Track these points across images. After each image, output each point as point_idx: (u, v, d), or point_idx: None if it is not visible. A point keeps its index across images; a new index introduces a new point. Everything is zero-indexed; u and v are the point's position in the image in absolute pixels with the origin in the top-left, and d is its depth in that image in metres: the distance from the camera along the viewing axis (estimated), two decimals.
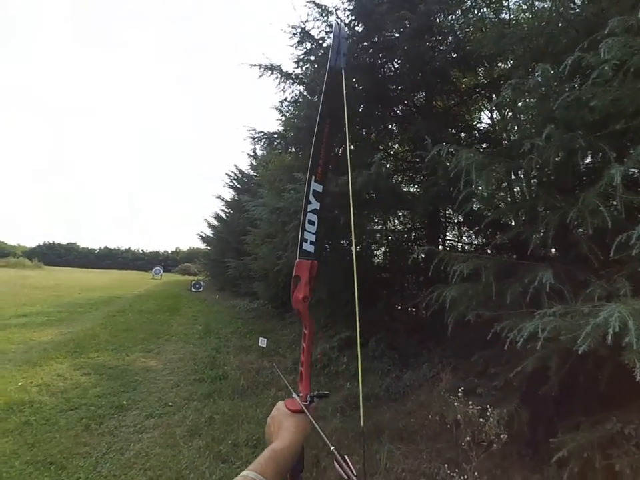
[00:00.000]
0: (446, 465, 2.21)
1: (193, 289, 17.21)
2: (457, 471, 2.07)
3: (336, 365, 4.54)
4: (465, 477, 1.97)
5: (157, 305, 11.77)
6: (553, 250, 2.88)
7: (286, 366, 4.90)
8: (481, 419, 2.00)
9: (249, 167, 15.28)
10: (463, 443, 2.01)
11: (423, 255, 4.93)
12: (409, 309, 5.13)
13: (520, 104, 3.26)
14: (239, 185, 15.50)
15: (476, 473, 1.92)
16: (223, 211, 17.13)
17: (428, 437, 2.83)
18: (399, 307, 5.24)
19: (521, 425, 2.29)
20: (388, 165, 5.32)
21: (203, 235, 19.93)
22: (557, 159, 2.34)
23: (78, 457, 2.86)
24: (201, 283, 18.10)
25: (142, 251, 68.29)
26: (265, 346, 5.39)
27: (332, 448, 0.64)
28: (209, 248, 20.61)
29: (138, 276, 32.72)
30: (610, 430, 1.92)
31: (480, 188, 2.36)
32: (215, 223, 17.91)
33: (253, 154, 14.52)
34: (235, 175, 15.85)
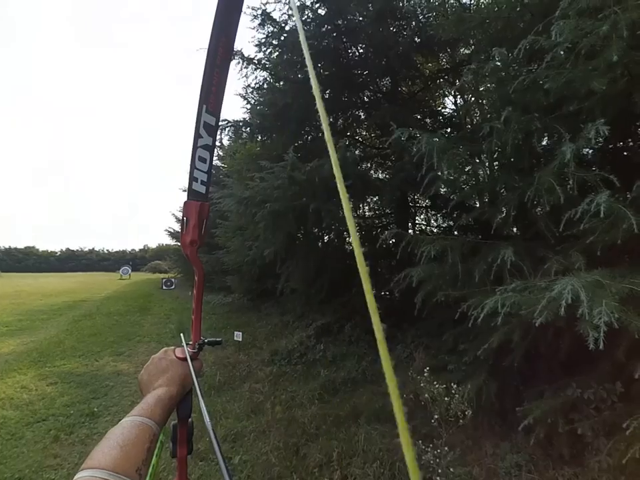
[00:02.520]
0: (420, 441, 2.29)
1: (164, 287, 16.67)
2: (431, 445, 2.15)
3: (313, 353, 4.57)
4: (438, 450, 2.06)
5: (127, 306, 11.32)
6: (515, 229, 3.01)
7: (263, 358, 4.87)
8: (446, 398, 2.09)
9: (216, 157, 14.80)
10: (432, 421, 2.09)
11: (393, 240, 5.02)
12: (383, 293, 5.22)
13: (481, 88, 3.34)
14: (210, 184, 14.98)
15: (446, 448, 2.01)
16: None
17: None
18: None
19: (490, 396, 2.40)
20: (357, 152, 5.33)
21: (172, 231, 19.20)
22: (515, 141, 2.42)
23: (48, 470, 2.73)
24: (173, 280, 17.54)
25: (107, 250, 65.06)
26: (240, 340, 5.33)
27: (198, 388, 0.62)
28: (178, 244, 19.92)
29: (105, 277, 31.29)
30: (571, 396, 2.05)
31: (444, 171, 2.39)
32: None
33: (219, 144, 14.05)
34: None
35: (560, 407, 2.06)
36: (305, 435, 2.89)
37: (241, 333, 5.26)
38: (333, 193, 3.59)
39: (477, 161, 3.06)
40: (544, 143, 2.71)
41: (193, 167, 0.78)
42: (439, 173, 2.48)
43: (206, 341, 0.80)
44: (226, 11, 0.73)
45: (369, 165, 5.55)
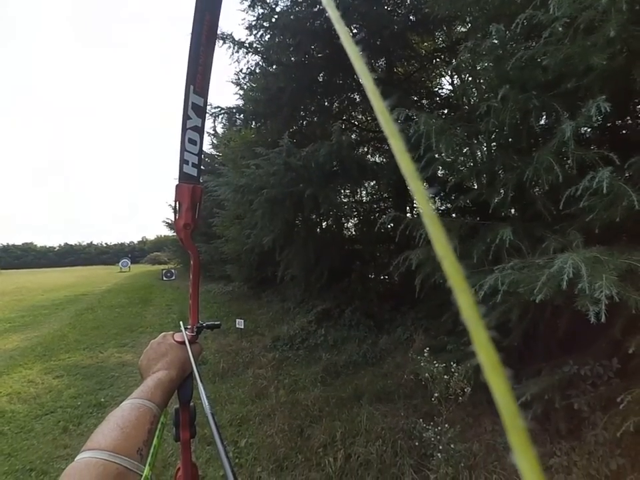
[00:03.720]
0: (421, 420, 2.35)
1: (164, 278, 16.72)
2: (431, 423, 2.21)
3: (314, 337, 4.63)
4: (439, 428, 2.11)
5: (128, 298, 11.37)
6: (513, 210, 3.01)
7: (265, 344, 4.93)
8: (446, 376, 2.13)
9: (210, 146, 14.60)
10: (432, 399, 2.14)
11: (391, 225, 5.01)
12: (382, 278, 5.27)
13: (478, 67, 3.27)
14: (201, 167, 14.84)
15: (446, 425, 2.06)
16: None
17: (405, 395, 2.98)
18: (372, 276, 5.36)
19: None
20: (353, 136, 5.26)
21: (169, 222, 19.15)
22: (512, 120, 2.39)
23: (59, 460, 2.79)
24: (173, 271, 17.58)
25: (106, 244, 64.90)
26: (242, 327, 5.39)
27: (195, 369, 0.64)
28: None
29: (104, 270, 31.32)
30: (568, 372, 2.09)
31: (442, 153, 2.37)
32: None
33: (213, 132, 13.86)
34: None
35: (557, 384, 2.10)
36: (308, 416, 2.96)
37: (242, 321, 5.31)
38: (329, 178, 3.56)
39: (475, 141, 3.03)
40: (542, 122, 2.68)
41: (183, 149, 0.77)
42: (437, 155, 2.46)
43: (204, 324, 0.80)
44: None
45: (365, 149, 5.49)
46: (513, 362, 2.59)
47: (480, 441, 2.34)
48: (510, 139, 2.77)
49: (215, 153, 13.87)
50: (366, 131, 5.70)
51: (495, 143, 3.07)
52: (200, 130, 0.78)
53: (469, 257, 2.19)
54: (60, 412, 3.61)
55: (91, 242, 64.47)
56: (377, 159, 5.45)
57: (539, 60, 2.26)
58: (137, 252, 51.27)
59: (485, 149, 2.99)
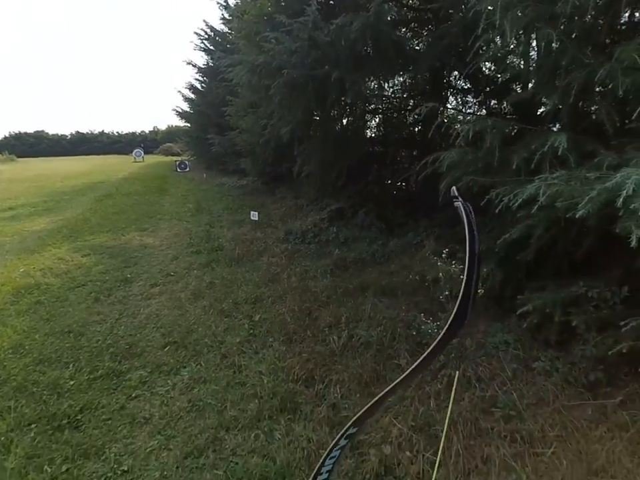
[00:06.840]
0: (422, 314, 2.53)
1: (178, 170, 16.65)
2: (431, 318, 2.38)
3: (326, 234, 4.76)
4: (438, 323, 2.28)
5: (144, 187, 11.56)
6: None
7: (278, 236, 5.12)
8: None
9: (221, 20, 12.67)
10: (441, 297, 2.25)
11: (419, 127, 4.61)
12: (399, 183, 5.12)
13: None
14: (211, 47, 13.14)
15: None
16: (197, 80, 14.99)
17: (408, 292, 3.16)
18: (389, 181, 5.21)
19: (494, 283, 2.53)
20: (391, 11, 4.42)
21: (180, 111, 17.91)
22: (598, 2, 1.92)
23: (94, 324, 3.17)
24: (187, 162, 17.38)
25: (117, 133, 62.68)
26: (257, 219, 5.54)
27: None
28: (188, 125, 18.91)
29: (119, 160, 31.02)
30: (575, 292, 2.08)
31: (506, 32, 1.95)
32: (191, 95, 15.91)
33: (224, 3, 11.86)
34: (206, 33, 13.25)
35: (561, 300, 2.12)
36: (317, 301, 3.22)
37: (257, 213, 5.43)
38: (360, 60, 3.07)
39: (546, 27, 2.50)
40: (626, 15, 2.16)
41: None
42: (495, 37, 2.05)
43: None
44: None
45: (403, 30, 4.67)
46: (520, 275, 2.63)
47: (472, 338, 2.55)
48: (585, 30, 2.27)
49: (227, 30, 12.14)
50: (406, 8, 4.77)
51: (567, 34, 2.54)
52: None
53: (506, 165, 2.01)
54: (90, 285, 3.99)
55: (102, 130, 62.17)
56: (415, 45, 4.68)
57: None
58: (148, 142, 49.87)
59: (555, 37, 2.49)
